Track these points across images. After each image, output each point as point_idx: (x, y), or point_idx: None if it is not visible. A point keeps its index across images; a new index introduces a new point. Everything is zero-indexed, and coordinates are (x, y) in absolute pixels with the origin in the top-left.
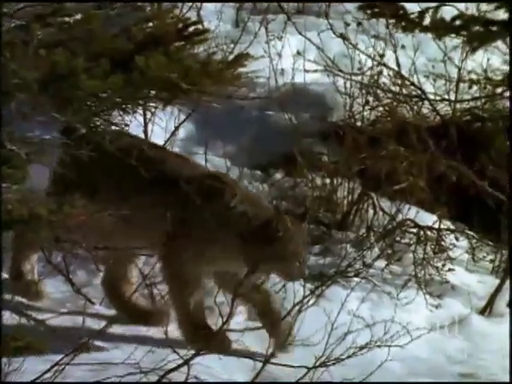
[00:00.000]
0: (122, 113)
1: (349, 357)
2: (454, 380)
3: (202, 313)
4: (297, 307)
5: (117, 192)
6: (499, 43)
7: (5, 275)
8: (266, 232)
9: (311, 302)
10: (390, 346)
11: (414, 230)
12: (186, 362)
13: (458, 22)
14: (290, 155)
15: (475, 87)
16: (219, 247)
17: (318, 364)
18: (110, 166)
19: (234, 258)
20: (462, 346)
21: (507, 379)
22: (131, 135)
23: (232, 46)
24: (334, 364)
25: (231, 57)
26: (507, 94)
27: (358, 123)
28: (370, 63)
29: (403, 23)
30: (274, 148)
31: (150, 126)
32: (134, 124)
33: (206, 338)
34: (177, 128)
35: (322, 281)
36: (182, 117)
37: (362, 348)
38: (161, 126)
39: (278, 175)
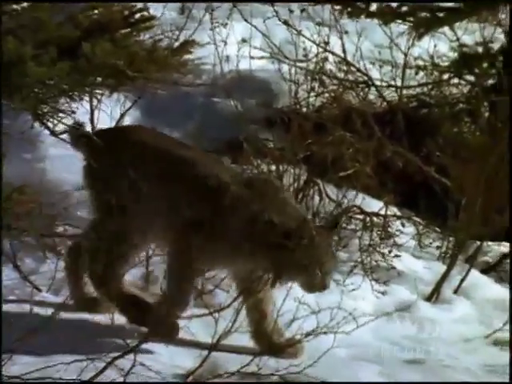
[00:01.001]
0: (68, 100)
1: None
2: (399, 366)
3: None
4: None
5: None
6: (446, 29)
7: None
8: (291, 240)
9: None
10: (336, 333)
11: (361, 217)
12: (133, 350)
13: (404, 9)
14: (235, 142)
15: (422, 73)
16: (244, 256)
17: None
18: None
19: (257, 264)
20: (408, 332)
21: (454, 365)
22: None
23: (177, 33)
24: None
25: (177, 44)
26: (454, 80)
27: (304, 109)
28: (315, 50)
29: (349, 9)
30: (219, 134)
31: (96, 113)
32: (80, 111)
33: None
34: (123, 115)
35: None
36: (128, 103)
37: (307, 335)
38: (107, 113)
39: (224, 162)
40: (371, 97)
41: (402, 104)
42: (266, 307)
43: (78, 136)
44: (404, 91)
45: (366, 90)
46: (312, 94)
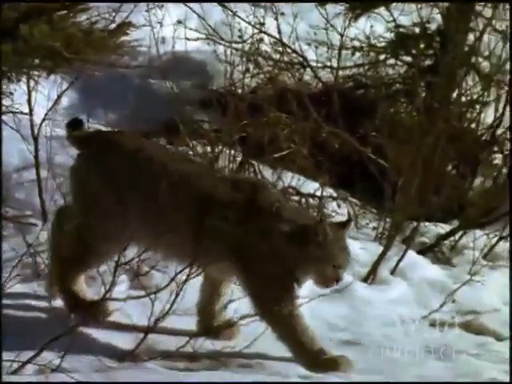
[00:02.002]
0: (6, 81)
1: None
2: (336, 346)
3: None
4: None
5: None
6: (382, 10)
7: None
8: (305, 236)
9: (195, 272)
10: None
11: (296, 198)
12: (69, 332)
13: None
14: (171, 123)
15: (358, 54)
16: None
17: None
18: (137, 176)
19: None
20: (344, 313)
21: (391, 346)
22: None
23: (114, 14)
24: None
25: (113, 26)
26: (390, 61)
27: (239, 91)
28: (250, 31)
29: None
30: (155, 116)
31: (33, 95)
32: (18, 92)
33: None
34: (60, 96)
35: None
36: (65, 85)
37: (243, 317)
38: (44, 95)
39: (160, 143)
40: (307, 78)
41: (337, 85)
42: (223, 290)
43: (76, 133)
44: (340, 72)
45: (302, 70)
46: (247, 75)
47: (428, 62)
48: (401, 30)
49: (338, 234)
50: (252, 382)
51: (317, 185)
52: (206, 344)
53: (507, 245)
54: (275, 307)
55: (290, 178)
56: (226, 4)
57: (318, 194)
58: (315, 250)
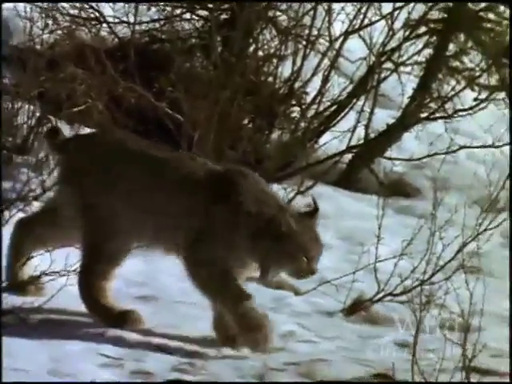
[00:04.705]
0: None
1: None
2: (130, 302)
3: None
4: None
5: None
6: None
7: None
8: (271, 230)
9: None
10: (69, 272)
11: None
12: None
13: None
14: None
15: (154, 9)
16: (232, 250)
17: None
18: (124, 169)
19: (247, 258)
20: (140, 268)
21: (183, 301)
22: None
23: None
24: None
25: None
26: (186, 15)
27: (38, 47)
28: None
29: None
30: None
31: None
32: None
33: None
34: None
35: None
36: None
37: (43, 275)
38: None
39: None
40: (104, 33)
41: (134, 40)
42: None
43: (55, 141)
44: (137, 27)
45: (98, 26)
46: (46, 31)
47: (224, 16)
48: None
49: (306, 225)
50: None
51: None
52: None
53: (305, 199)
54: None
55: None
56: None
57: None
58: (283, 244)
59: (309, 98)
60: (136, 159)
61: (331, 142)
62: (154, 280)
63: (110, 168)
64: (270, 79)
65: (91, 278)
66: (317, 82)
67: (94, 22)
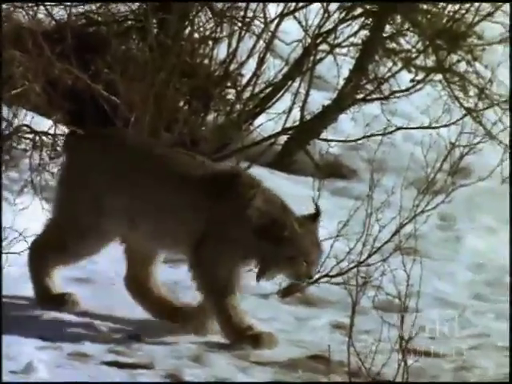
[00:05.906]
0: None
1: None
2: (68, 284)
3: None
4: None
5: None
6: None
7: None
8: (274, 232)
9: None
10: (7, 254)
11: (30, 136)
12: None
13: None
14: None
15: None
16: (239, 248)
17: None
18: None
19: (250, 257)
20: None
21: (120, 283)
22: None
23: None
24: None
25: None
26: None
27: None
28: None
29: None
30: None
31: None
32: None
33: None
34: None
35: None
36: None
37: None
38: None
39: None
40: (41, 15)
41: (70, 22)
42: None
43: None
44: (73, 9)
45: (35, 8)
46: None
47: None
48: None
49: (308, 228)
50: None
51: (50, 122)
52: None
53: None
54: (216, 284)
55: (24, 116)
56: None
57: (52, 131)
58: (285, 248)
59: (244, 80)
60: (138, 158)
61: (267, 123)
62: (91, 263)
63: (113, 167)
64: (206, 61)
65: (47, 253)
66: (252, 64)
67: (31, 4)
